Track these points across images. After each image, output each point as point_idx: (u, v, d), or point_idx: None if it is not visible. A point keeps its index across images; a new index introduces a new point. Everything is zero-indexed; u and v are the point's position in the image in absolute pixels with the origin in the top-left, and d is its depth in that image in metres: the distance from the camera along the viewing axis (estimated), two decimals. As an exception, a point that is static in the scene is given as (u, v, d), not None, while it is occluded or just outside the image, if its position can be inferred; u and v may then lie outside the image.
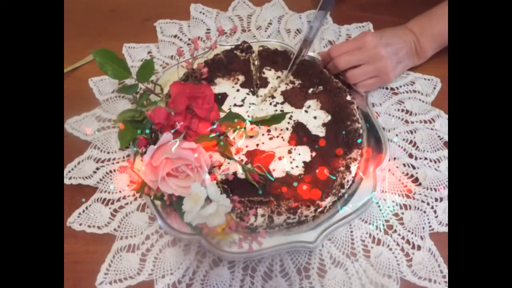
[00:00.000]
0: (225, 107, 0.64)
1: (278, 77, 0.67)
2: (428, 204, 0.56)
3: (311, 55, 0.72)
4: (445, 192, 0.56)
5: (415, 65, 0.71)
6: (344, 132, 0.60)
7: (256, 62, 0.70)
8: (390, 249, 0.53)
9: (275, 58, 0.70)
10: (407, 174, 0.59)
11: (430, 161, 0.60)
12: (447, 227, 0.54)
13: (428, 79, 0.70)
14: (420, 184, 0.58)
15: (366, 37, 0.65)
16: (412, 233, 0.54)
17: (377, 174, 0.57)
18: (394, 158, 0.61)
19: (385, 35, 0.66)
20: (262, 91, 0.66)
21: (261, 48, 0.72)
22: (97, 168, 0.60)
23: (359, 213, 0.54)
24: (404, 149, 0.62)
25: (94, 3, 0.86)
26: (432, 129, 0.63)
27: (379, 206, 0.56)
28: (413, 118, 0.65)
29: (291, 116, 0.62)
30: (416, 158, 0.61)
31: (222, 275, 0.51)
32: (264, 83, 0.67)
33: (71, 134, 0.64)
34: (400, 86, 0.69)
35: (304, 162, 0.57)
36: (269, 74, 0.68)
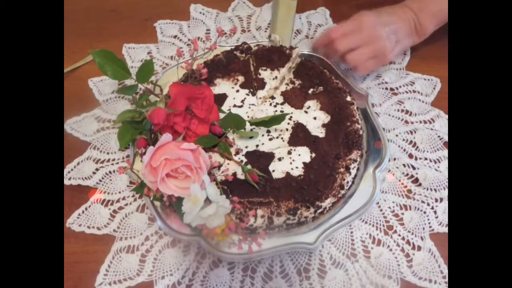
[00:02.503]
0: (225, 107, 0.64)
1: (275, 77, 0.67)
2: (428, 204, 0.56)
3: (310, 54, 0.72)
4: (445, 193, 0.56)
5: (415, 43, 0.69)
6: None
7: (254, 64, 0.70)
8: (390, 250, 0.53)
9: (270, 56, 0.69)
10: (407, 174, 0.59)
11: (430, 161, 0.60)
12: (447, 227, 0.54)
13: (428, 79, 0.70)
14: (420, 185, 0.58)
15: (363, 17, 0.64)
16: (412, 233, 0.54)
17: (377, 175, 0.57)
18: (394, 159, 0.61)
19: (382, 14, 0.65)
20: (260, 93, 0.65)
21: (256, 48, 0.71)
22: (97, 169, 0.60)
23: (359, 214, 0.54)
24: (404, 150, 0.62)
25: (94, 3, 0.86)
26: (432, 129, 0.63)
27: (379, 207, 0.56)
28: (413, 118, 0.65)
29: (291, 116, 0.62)
30: (416, 159, 0.60)
31: (222, 276, 0.51)
32: (261, 84, 0.66)
33: (70, 134, 0.64)
34: (400, 86, 0.69)
35: (304, 163, 0.56)
36: (265, 74, 0.67)
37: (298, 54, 0.70)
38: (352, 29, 0.64)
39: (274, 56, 0.69)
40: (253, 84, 0.67)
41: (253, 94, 0.65)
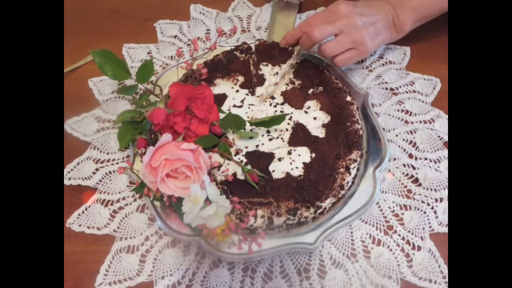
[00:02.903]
0: (225, 108, 0.64)
1: (276, 73, 0.66)
2: (428, 204, 0.56)
3: (310, 54, 0.72)
4: (445, 193, 0.56)
5: (393, 40, 0.68)
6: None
7: (255, 59, 0.69)
8: (390, 250, 0.53)
9: (272, 52, 0.68)
10: (407, 174, 0.59)
11: (430, 161, 0.60)
12: (447, 227, 0.54)
13: (428, 79, 0.70)
14: (420, 185, 0.58)
15: (338, 6, 0.62)
16: (412, 233, 0.54)
17: (377, 175, 0.57)
18: (394, 159, 0.61)
19: (359, 5, 0.63)
20: (259, 90, 0.65)
21: (257, 43, 0.70)
22: (97, 169, 0.60)
23: (359, 214, 0.54)
24: (404, 150, 0.62)
25: (94, 3, 0.86)
26: (432, 129, 0.63)
27: (379, 207, 0.56)
28: (413, 118, 0.65)
29: (290, 117, 0.62)
30: (416, 159, 0.60)
31: (222, 276, 0.51)
32: (261, 80, 0.65)
33: (70, 134, 0.64)
34: (400, 86, 0.69)
35: (304, 163, 0.56)
36: (266, 70, 0.66)
37: (300, 51, 0.69)
38: (327, 19, 0.62)
39: (275, 52, 0.68)
40: (253, 80, 0.66)
41: (252, 93, 0.65)
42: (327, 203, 0.54)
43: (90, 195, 0.58)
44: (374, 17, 0.63)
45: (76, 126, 0.65)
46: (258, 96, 0.64)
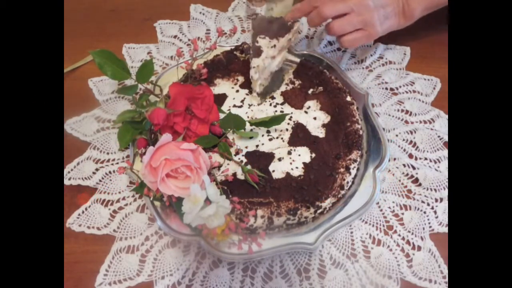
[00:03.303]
0: (225, 108, 0.64)
1: (274, 45, 0.63)
2: (428, 204, 0.56)
3: (310, 54, 0.72)
4: (445, 193, 0.56)
5: (400, 27, 0.68)
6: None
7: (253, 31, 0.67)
8: (390, 250, 0.53)
9: (270, 26, 0.66)
10: (407, 174, 0.59)
11: (430, 161, 0.60)
12: (447, 227, 0.54)
13: (428, 79, 0.70)
14: (420, 185, 0.58)
15: None
16: (412, 233, 0.54)
17: (377, 175, 0.57)
18: (394, 159, 0.61)
19: None
20: (256, 61, 0.62)
21: (254, 17, 0.68)
22: (97, 169, 0.60)
23: (359, 214, 0.54)
24: (404, 150, 0.62)
25: (94, 3, 0.87)
26: (432, 129, 0.63)
27: (379, 207, 0.56)
28: (413, 119, 0.65)
29: (290, 117, 0.62)
30: (416, 159, 0.60)
31: (222, 276, 0.51)
32: (258, 52, 0.63)
33: (70, 134, 0.64)
34: (400, 86, 0.69)
35: (304, 163, 0.56)
36: (263, 42, 0.64)
37: (300, 28, 0.66)
38: None
39: (273, 25, 0.66)
40: (250, 52, 0.65)
41: (250, 91, 0.65)
42: (327, 203, 0.54)
43: (86, 196, 0.58)
44: (385, 0, 0.63)
45: (76, 126, 0.65)
46: (254, 67, 0.62)
